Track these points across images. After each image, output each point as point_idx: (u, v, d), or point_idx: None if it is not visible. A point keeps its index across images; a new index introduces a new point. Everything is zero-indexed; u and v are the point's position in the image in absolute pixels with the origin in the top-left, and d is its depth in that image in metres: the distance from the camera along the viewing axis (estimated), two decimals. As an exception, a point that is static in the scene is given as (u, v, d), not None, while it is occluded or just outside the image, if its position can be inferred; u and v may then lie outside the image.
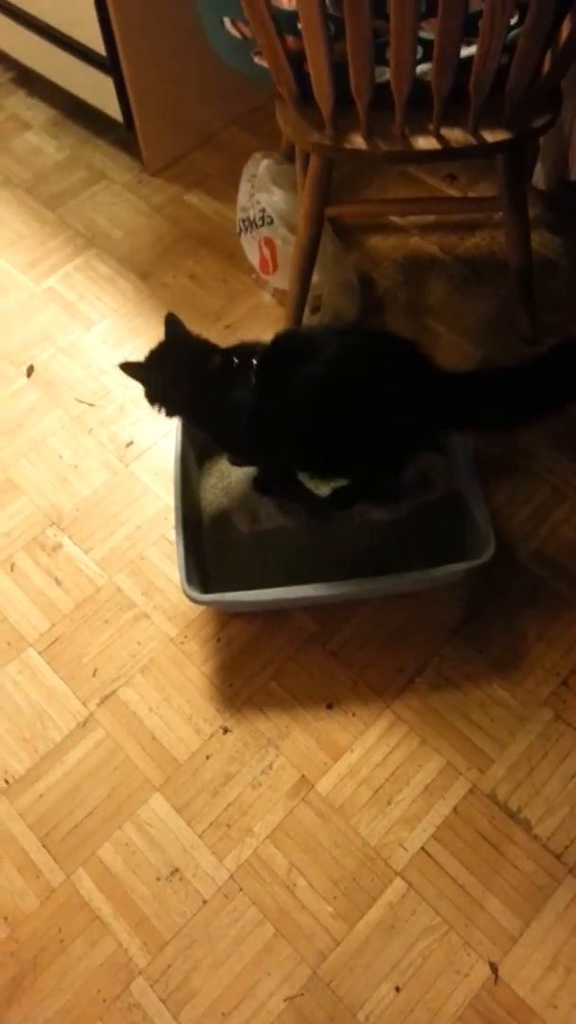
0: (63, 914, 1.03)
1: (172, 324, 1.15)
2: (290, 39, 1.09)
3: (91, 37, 1.58)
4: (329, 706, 1.15)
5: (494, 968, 0.98)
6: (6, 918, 1.03)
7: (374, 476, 1.20)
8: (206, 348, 1.13)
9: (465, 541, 1.21)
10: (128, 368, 1.14)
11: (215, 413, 1.13)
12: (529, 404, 1.12)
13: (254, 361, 1.09)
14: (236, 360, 1.10)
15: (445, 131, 1.17)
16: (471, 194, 1.67)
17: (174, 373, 1.12)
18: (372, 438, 1.10)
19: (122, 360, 1.15)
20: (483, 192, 1.67)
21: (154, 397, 1.15)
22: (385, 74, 1.09)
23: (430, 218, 1.64)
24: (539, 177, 1.63)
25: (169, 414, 1.16)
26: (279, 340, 1.12)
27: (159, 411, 1.15)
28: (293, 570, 1.20)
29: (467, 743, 1.12)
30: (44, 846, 1.07)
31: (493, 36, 1.02)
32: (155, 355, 1.15)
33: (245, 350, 1.12)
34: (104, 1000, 0.98)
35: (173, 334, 1.15)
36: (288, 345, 1.12)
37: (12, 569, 1.30)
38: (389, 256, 1.60)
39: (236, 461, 1.27)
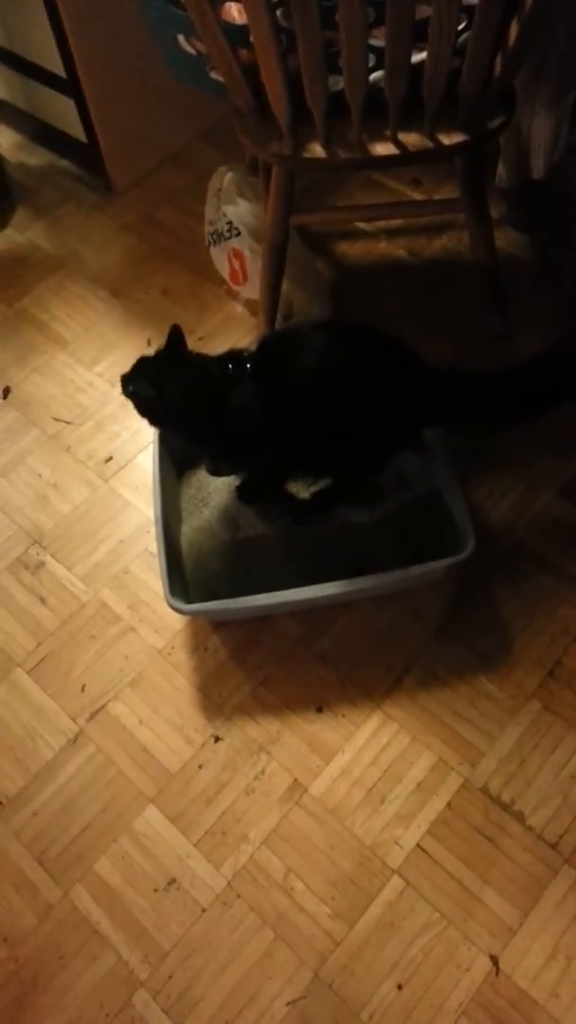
0: (62, 931, 1.03)
1: (175, 335, 1.12)
2: (243, 52, 1.11)
3: (50, 61, 1.60)
4: (319, 709, 1.16)
5: (495, 961, 0.98)
6: (5, 938, 1.03)
7: (359, 473, 1.20)
8: (199, 359, 1.13)
9: (445, 538, 1.22)
10: (129, 381, 1.12)
11: (214, 421, 1.11)
12: (514, 407, 1.13)
13: (247, 366, 1.10)
14: (230, 367, 1.11)
15: (402, 136, 1.18)
16: (435, 197, 1.69)
17: (169, 385, 1.10)
18: (361, 432, 1.11)
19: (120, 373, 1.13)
20: (447, 194, 1.68)
21: (146, 409, 1.12)
22: (339, 83, 1.10)
23: (397, 222, 1.66)
24: (501, 177, 1.65)
25: (163, 426, 1.15)
26: (268, 341, 1.13)
27: (152, 423, 1.14)
28: (276, 576, 1.21)
29: (457, 738, 1.12)
30: (40, 864, 1.07)
31: (442, 41, 1.04)
32: (146, 366, 1.12)
33: (237, 356, 1.12)
34: (107, 1014, 0.98)
35: (172, 346, 1.13)
36: (278, 345, 1.13)
37: (-3, 590, 1.30)
38: (358, 262, 1.61)
39: (218, 471, 1.27)
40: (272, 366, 1.10)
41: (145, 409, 1.12)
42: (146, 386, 1.11)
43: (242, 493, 1.26)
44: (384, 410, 1.09)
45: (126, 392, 1.12)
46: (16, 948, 1.03)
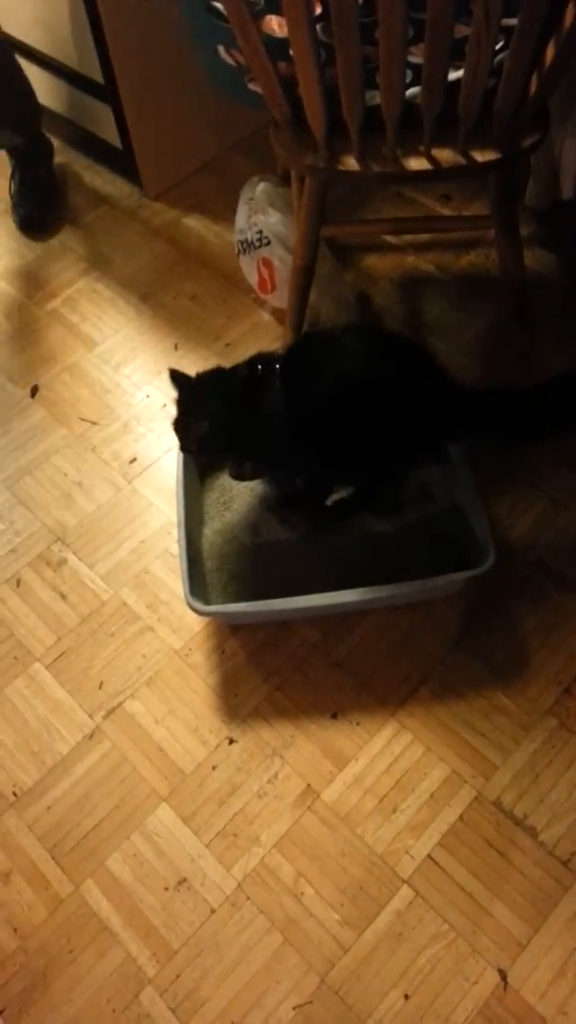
0: (72, 925, 1.04)
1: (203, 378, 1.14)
2: (282, 65, 1.12)
3: (89, 67, 1.62)
4: (333, 716, 1.16)
5: (503, 975, 0.98)
6: (16, 929, 1.04)
7: (382, 483, 1.21)
8: (226, 370, 1.14)
9: (465, 552, 1.23)
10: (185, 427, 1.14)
11: (248, 425, 1.11)
12: (539, 424, 1.14)
13: (276, 367, 1.11)
14: (259, 367, 1.12)
15: (436, 152, 1.19)
16: (465, 213, 1.71)
17: (204, 404, 1.11)
18: (386, 441, 1.11)
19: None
20: (477, 211, 1.70)
21: (193, 442, 1.13)
22: (376, 97, 1.12)
23: (426, 237, 1.68)
24: (532, 196, 1.66)
25: (210, 451, 1.17)
26: (300, 342, 1.14)
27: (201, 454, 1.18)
28: (295, 581, 1.22)
29: (472, 751, 1.12)
30: (53, 857, 1.08)
31: (479, 59, 1.05)
32: (185, 400, 1.13)
33: (264, 358, 1.13)
34: (114, 1010, 0.98)
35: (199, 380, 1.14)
36: (308, 346, 1.14)
37: (18, 585, 1.31)
38: (386, 275, 1.63)
39: (240, 475, 1.26)
40: (301, 367, 1.11)
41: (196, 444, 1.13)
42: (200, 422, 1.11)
43: (270, 499, 1.27)
44: (410, 420, 1.10)
45: (182, 436, 1.14)
46: (26, 940, 1.03)
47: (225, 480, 1.33)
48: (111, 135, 1.74)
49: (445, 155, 1.20)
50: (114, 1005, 0.99)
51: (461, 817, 1.08)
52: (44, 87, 1.80)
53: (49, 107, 1.86)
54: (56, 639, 1.26)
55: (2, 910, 1.05)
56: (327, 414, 1.09)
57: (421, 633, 1.22)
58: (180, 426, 1.13)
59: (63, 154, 1.91)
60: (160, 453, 1.44)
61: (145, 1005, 0.99)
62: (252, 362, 1.13)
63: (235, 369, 1.13)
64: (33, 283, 1.69)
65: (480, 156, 1.19)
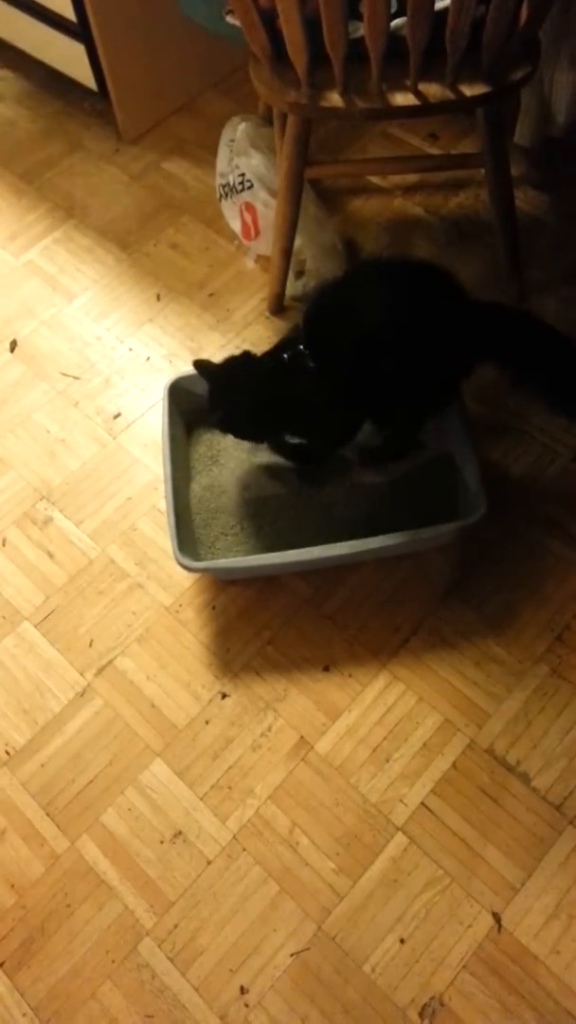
0: (69, 880, 1.04)
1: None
2: (262, -5, 1.07)
3: (60, 3, 1.55)
4: (326, 668, 1.16)
5: (497, 918, 0.99)
6: (13, 885, 1.05)
7: (425, 413, 1.21)
8: (251, 361, 1.15)
9: (457, 502, 1.21)
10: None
11: (294, 407, 1.14)
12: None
13: (300, 347, 1.11)
14: (285, 356, 1.12)
15: (423, 86, 1.15)
16: (453, 152, 1.66)
17: (237, 398, 1.14)
18: (424, 374, 1.11)
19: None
20: (465, 150, 1.65)
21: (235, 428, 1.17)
22: (359, 29, 1.07)
23: (413, 179, 1.63)
24: (522, 134, 1.61)
25: (259, 437, 1.21)
26: (312, 312, 1.13)
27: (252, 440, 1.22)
28: (286, 536, 1.21)
29: (464, 700, 1.13)
30: (48, 814, 1.08)
31: (468, -16, 1.01)
32: (215, 395, 1.16)
33: (286, 343, 1.14)
34: (113, 961, 1.00)
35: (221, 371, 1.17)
36: (326, 306, 1.12)
37: (4, 544, 1.29)
38: (373, 219, 1.58)
39: (225, 427, 1.23)
40: (326, 334, 1.10)
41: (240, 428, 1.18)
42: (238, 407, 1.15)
43: (300, 455, 1.25)
44: (442, 347, 1.09)
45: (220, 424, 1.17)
46: (24, 895, 1.04)
47: (212, 434, 1.31)
48: (85, 76, 1.67)
49: (432, 89, 1.15)
50: (113, 956, 1.00)
51: (454, 765, 1.08)
52: (13, 26, 1.72)
53: (19, 47, 1.78)
54: (44, 598, 1.24)
55: (-1, 867, 1.06)
56: (363, 372, 1.08)
57: (413, 584, 1.21)
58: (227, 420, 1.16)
59: (35, 98, 1.83)
60: (145, 408, 1.41)
61: (144, 955, 1.00)
62: (276, 351, 1.13)
63: (261, 361, 1.14)
64: (7, 233, 1.64)
65: (468, 90, 1.15)
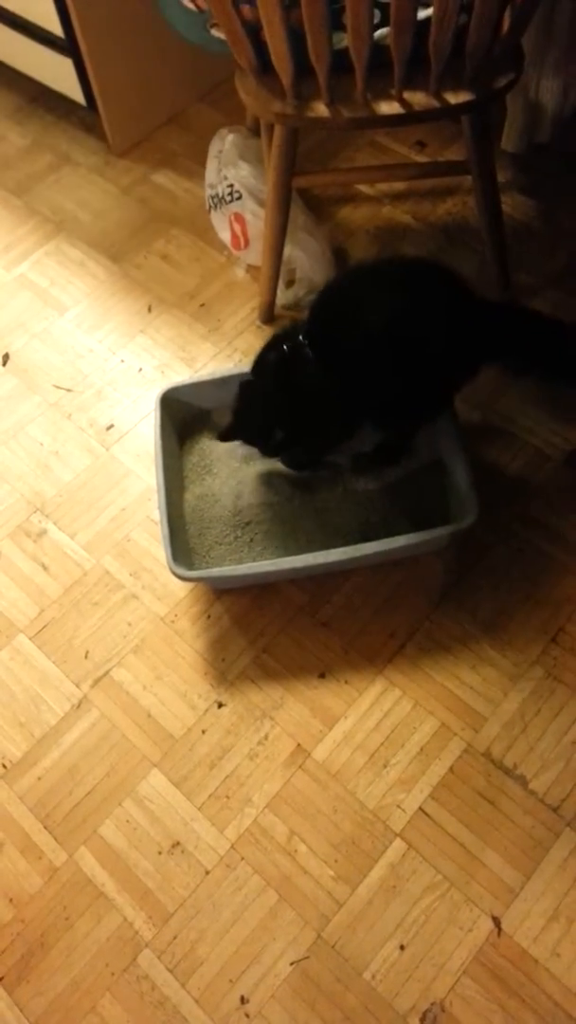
0: (67, 892, 1.04)
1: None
2: (245, 9, 1.08)
3: (47, 18, 1.56)
4: (321, 675, 1.16)
5: (496, 922, 0.99)
6: (11, 899, 1.04)
7: (427, 417, 1.21)
8: (258, 362, 1.16)
9: (449, 506, 1.22)
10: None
11: (293, 400, 1.13)
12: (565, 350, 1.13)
13: (300, 337, 1.10)
14: (285, 347, 1.11)
15: (407, 95, 1.16)
16: (440, 159, 1.67)
17: (252, 401, 1.15)
18: (429, 374, 1.10)
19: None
20: (452, 157, 1.66)
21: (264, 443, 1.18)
22: (343, 39, 1.08)
23: (401, 187, 1.64)
24: (509, 140, 1.62)
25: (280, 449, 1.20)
26: (320, 301, 1.13)
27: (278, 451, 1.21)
28: (279, 543, 1.21)
29: (460, 704, 1.13)
30: (45, 827, 1.08)
31: (449, -5, 1.01)
32: (242, 418, 1.18)
33: (285, 334, 1.13)
34: (112, 973, 0.99)
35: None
36: (330, 302, 1.12)
37: (-1, 557, 1.30)
38: (362, 227, 1.59)
39: (228, 437, 1.21)
40: (329, 328, 1.10)
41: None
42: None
43: (293, 462, 1.25)
44: (447, 346, 1.08)
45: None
46: (22, 909, 1.04)
47: (205, 444, 1.31)
48: (73, 90, 1.68)
49: (417, 98, 1.16)
50: (112, 968, 1.00)
51: (451, 769, 1.08)
52: (0, 41, 1.73)
53: (8, 63, 1.79)
54: (39, 610, 1.24)
55: (-3, 880, 1.06)
56: (367, 371, 1.08)
57: (407, 590, 1.21)
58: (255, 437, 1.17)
59: (24, 112, 1.84)
60: (137, 419, 1.42)
61: (143, 967, 0.99)
62: (276, 343, 1.13)
63: (262, 357, 1.14)
64: (-1, 247, 1.65)
65: (453, 98, 1.16)
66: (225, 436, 1.19)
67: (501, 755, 1.09)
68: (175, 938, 1.01)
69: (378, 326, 1.06)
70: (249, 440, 1.19)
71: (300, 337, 1.11)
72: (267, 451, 1.19)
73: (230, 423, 1.18)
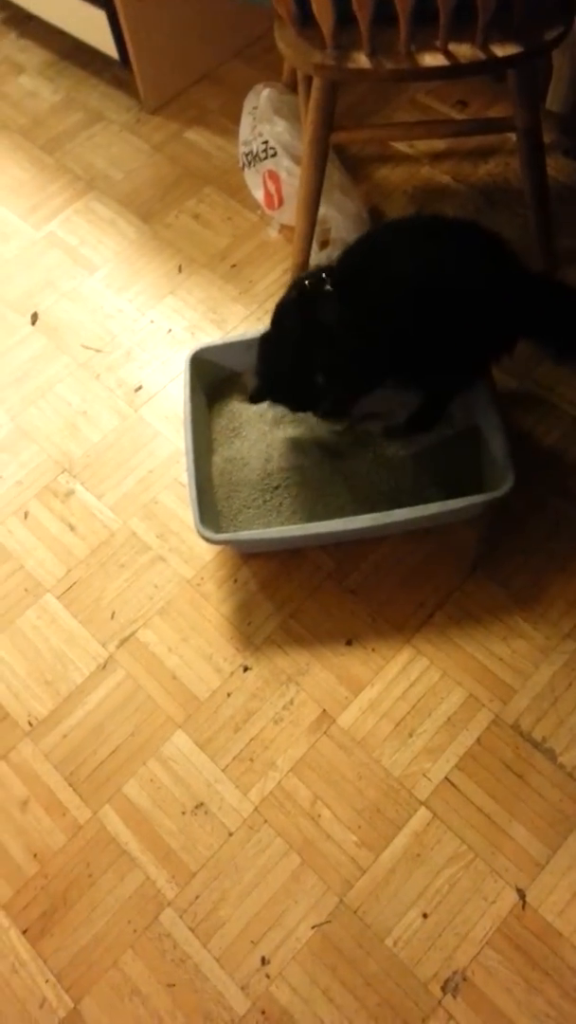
0: (91, 850, 1.05)
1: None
2: (288, -49, 1.04)
3: (82, -32, 1.53)
4: (348, 642, 1.15)
5: (521, 894, 0.98)
6: (35, 855, 1.05)
7: (459, 384, 1.18)
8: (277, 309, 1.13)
9: (484, 475, 1.19)
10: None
11: (324, 340, 1.09)
12: None
13: (323, 275, 1.07)
14: (307, 283, 1.08)
15: (452, 47, 1.12)
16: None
17: (275, 344, 1.13)
18: (460, 338, 1.07)
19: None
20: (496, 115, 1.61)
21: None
22: (388, -15, 1.04)
23: (441, 147, 1.59)
24: (554, 99, 1.57)
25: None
26: (354, 245, 1.11)
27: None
28: (308, 508, 1.19)
29: (489, 675, 1.11)
30: (70, 784, 1.08)
31: None
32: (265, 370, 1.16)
33: (310, 274, 1.10)
34: (135, 930, 1.00)
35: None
36: (364, 248, 1.10)
37: (26, 517, 1.29)
38: (400, 187, 1.55)
39: (259, 397, 1.18)
40: (360, 272, 1.07)
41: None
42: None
43: (325, 410, 1.21)
44: (484, 312, 1.05)
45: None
46: (46, 865, 1.04)
47: (234, 407, 1.29)
48: (107, 45, 1.65)
49: (462, 50, 1.12)
50: (135, 926, 1.00)
51: (479, 740, 1.07)
52: (34, -7, 1.70)
53: (40, 16, 1.76)
54: (66, 571, 1.24)
55: (21, 836, 1.06)
56: (395, 327, 1.05)
57: (437, 559, 1.19)
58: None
59: (56, 68, 1.81)
60: (166, 380, 1.40)
61: (165, 925, 1.00)
62: (299, 281, 1.09)
63: (281, 303, 1.11)
64: (28, 205, 1.63)
65: (500, 50, 1.12)
66: (255, 397, 1.16)
67: (530, 728, 1.07)
68: (197, 898, 1.01)
69: (409, 274, 1.03)
70: (281, 396, 1.16)
71: (323, 275, 1.07)
72: (305, 402, 1.15)
73: (257, 383, 1.15)
